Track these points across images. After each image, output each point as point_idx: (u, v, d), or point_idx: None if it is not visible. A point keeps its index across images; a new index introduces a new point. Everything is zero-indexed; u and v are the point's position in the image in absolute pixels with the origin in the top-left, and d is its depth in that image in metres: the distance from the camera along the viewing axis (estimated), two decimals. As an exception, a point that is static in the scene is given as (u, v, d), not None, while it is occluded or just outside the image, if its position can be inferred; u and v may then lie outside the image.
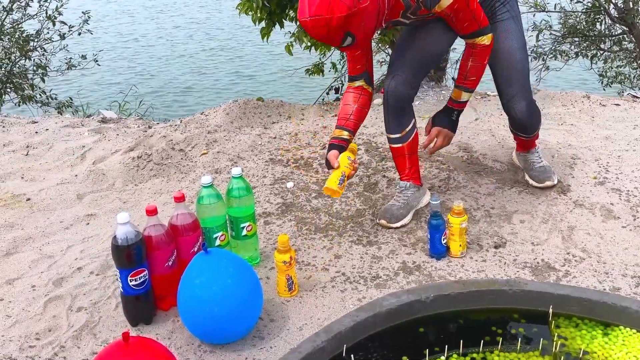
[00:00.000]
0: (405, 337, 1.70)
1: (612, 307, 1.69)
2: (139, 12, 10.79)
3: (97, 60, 6.72)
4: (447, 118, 2.10)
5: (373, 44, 3.29)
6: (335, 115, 3.22)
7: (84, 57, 6.68)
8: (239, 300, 1.57)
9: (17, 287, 1.95)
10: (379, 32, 3.25)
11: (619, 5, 5.20)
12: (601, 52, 5.75)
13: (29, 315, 1.80)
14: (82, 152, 2.91)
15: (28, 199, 2.53)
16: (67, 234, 2.27)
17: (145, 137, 2.95)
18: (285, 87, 7.22)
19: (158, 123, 3.51)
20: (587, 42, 5.72)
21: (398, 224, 2.15)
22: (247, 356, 1.60)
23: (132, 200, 2.50)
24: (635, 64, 5.75)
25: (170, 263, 1.74)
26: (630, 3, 5.09)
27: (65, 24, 6.22)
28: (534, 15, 5.43)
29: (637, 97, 3.46)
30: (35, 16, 6.36)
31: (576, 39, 5.72)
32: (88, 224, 2.35)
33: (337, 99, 3.97)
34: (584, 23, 5.64)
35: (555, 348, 1.60)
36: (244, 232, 1.91)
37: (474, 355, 1.59)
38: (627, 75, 5.84)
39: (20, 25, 6.36)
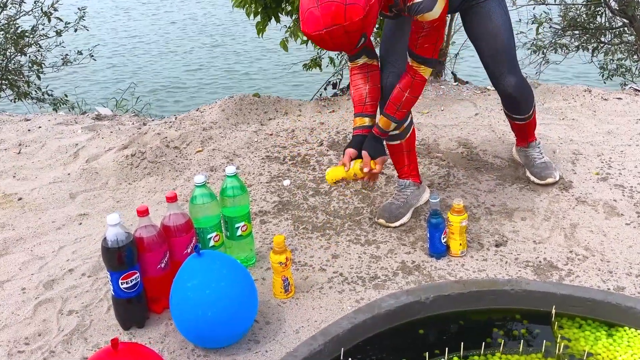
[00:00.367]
0: (404, 339, 1.66)
1: (617, 307, 1.65)
2: (135, 9, 10.72)
3: (92, 56, 6.66)
4: (380, 145, 1.94)
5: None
6: (333, 111, 3.17)
7: (80, 52, 6.62)
8: (233, 304, 1.52)
9: (6, 289, 1.91)
10: None
11: (620, -3, 5.15)
12: (602, 45, 5.69)
13: (18, 319, 1.76)
14: (75, 150, 2.86)
15: (20, 199, 2.49)
16: (59, 235, 2.22)
17: (140, 134, 2.90)
18: (282, 83, 7.16)
19: (153, 120, 3.46)
20: (588, 35, 5.66)
21: (397, 223, 2.11)
22: (242, 360, 1.56)
23: (125, 200, 2.45)
24: (636, 56, 5.69)
25: (162, 265, 1.69)
26: (631, -5, 5.03)
27: (61, 20, 6.15)
28: (533, 8, 5.37)
29: (639, 91, 3.41)
30: (30, 12, 6.29)
31: (576, 32, 5.66)
32: (80, 223, 2.30)
33: (335, 95, 3.91)
34: (585, 16, 5.58)
35: (559, 350, 1.56)
36: (239, 232, 1.87)
37: (475, 357, 1.55)
38: (628, 68, 5.79)
39: (15, 22, 6.29)
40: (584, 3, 5.52)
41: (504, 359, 1.55)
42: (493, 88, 3.26)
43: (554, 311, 1.67)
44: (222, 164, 2.65)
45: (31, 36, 6.30)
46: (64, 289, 1.88)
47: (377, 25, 3.29)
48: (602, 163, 2.43)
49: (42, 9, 6.10)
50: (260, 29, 3.13)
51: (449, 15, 3.36)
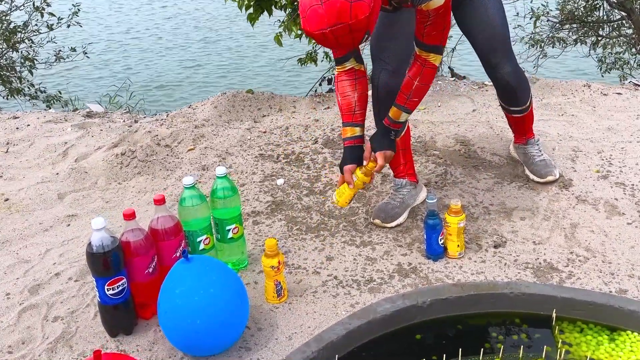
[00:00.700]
0: (401, 344, 1.61)
1: (619, 311, 1.60)
2: (128, 4, 10.60)
3: (86, 52, 6.59)
4: (387, 139, 1.89)
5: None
6: (328, 107, 3.11)
7: (73, 49, 6.54)
8: (222, 311, 1.47)
9: (-10, 295, 1.85)
10: None
11: (618, -10, 5.09)
12: (600, 38, 5.64)
13: (2, 327, 1.70)
14: (64, 148, 2.80)
15: (6, 200, 2.43)
16: (46, 237, 2.17)
17: (130, 132, 2.84)
18: (276, 79, 7.08)
19: (145, 117, 3.40)
20: (586, 28, 5.61)
21: (393, 224, 2.05)
22: (233, 369, 1.51)
23: (115, 200, 2.39)
24: (634, 49, 5.64)
25: (150, 270, 1.64)
26: (630, -12, 4.97)
27: (53, 15, 6.07)
28: (531, 1, 5.30)
29: (638, 86, 3.36)
30: (22, 7, 6.21)
31: (574, 25, 5.61)
32: (69, 225, 2.24)
33: (331, 90, 3.85)
34: (582, 9, 5.52)
35: (560, 355, 1.52)
36: (230, 235, 1.81)
37: (474, 364, 1.50)
38: (627, 61, 5.74)
39: (6, 17, 6.21)
40: (582, -4, 5.46)
41: (504, 365, 1.51)
42: (491, 83, 3.22)
43: (554, 315, 1.63)
44: (214, 162, 2.59)
45: (23, 32, 6.22)
46: (49, 294, 1.82)
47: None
48: (602, 160, 2.38)
49: (34, 4, 6.02)
50: (253, 17, 3.05)
51: None
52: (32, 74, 6.19)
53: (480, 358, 1.52)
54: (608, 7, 5.38)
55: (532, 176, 2.25)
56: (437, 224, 1.84)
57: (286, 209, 2.22)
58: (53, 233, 2.19)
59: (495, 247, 1.92)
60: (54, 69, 6.90)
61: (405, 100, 1.83)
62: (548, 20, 5.57)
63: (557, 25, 5.59)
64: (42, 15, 6.03)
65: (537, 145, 2.30)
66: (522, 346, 1.55)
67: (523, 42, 5.51)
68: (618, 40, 5.66)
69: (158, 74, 7.78)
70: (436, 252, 1.87)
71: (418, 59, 1.80)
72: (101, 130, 2.96)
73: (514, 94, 2.10)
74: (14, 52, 6.20)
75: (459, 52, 4.43)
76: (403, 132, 2.05)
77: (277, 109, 3.12)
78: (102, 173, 2.56)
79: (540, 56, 5.58)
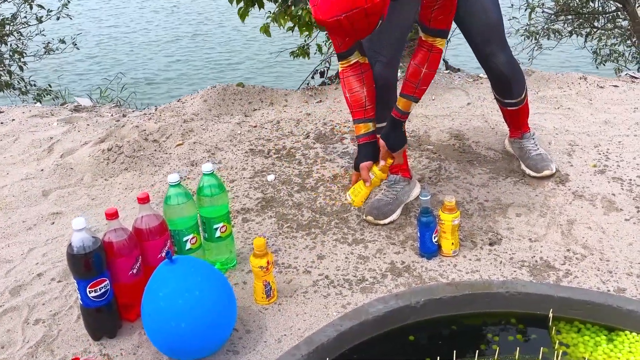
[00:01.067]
0: (393, 346, 1.57)
1: (617, 311, 1.56)
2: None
3: (75, 44, 6.49)
4: (400, 134, 1.84)
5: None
6: (320, 101, 3.05)
7: (62, 41, 6.44)
8: (208, 314, 1.41)
9: (-30, 297, 1.79)
10: None
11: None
12: (595, 29, 5.59)
13: (-19, 330, 1.65)
14: (49, 144, 2.73)
15: (-11, 197, 2.36)
16: (30, 235, 2.10)
17: (117, 127, 2.77)
18: (268, 72, 6.99)
19: (134, 111, 3.32)
20: (581, 20, 5.56)
21: (386, 221, 2.00)
22: (220, 373, 1.46)
23: (101, 197, 2.33)
24: (629, 41, 5.60)
25: (134, 271, 1.58)
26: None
27: (42, 7, 5.97)
28: (526, -7, 5.25)
29: (635, 78, 3.31)
30: (10, -1, 6.09)
31: (569, 17, 5.56)
32: (53, 223, 2.18)
33: (324, 83, 3.78)
34: (577, 0, 5.47)
35: (557, 358, 1.47)
36: (218, 234, 1.75)
37: (469, 366, 1.46)
38: (621, 53, 5.70)
39: (-5, 10, 6.10)
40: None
41: (499, 367, 1.47)
42: (485, 76, 3.16)
43: (551, 315, 1.59)
44: (204, 158, 2.53)
45: (12, 24, 6.11)
46: (31, 295, 1.76)
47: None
48: (599, 154, 2.33)
49: (23, -4, 5.91)
50: (243, 12, 2.98)
51: None
52: (22, 69, 6.09)
53: (475, 360, 1.48)
54: (603, -2, 5.33)
55: (528, 171, 2.20)
56: (430, 222, 1.79)
57: (277, 206, 2.16)
58: (37, 231, 2.13)
59: (490, 244, 1.88)
60: (45, 63, 6.80)
61: (414, 89, 1.79)
62: (543, 12, 5.52)
63: (552, 16, 5.54)
64: (30, 7, 5.92)
65: (533, 139, 2.25)
66: (518, 348, 1.50)
67: (518, 34, 5.46)
68: (613, 32, 5.62)
69: (150, 67, 7.69)
70: (430, 250, 1.83)
71: (424, 45, 1.75)
72: (88, 125, 2.89)
73: (508, 85, 2.06)
74: (3, 45, 6.10)
75: (454, 44, 4.37)
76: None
77: (268, 102, 3.06)
78: (88, 169, 2.50)
79: (535, 48, 5.53)
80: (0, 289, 1.81)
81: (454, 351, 1.48)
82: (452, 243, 1.82)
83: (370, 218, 2.01)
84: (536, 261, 1.79)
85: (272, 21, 3.05)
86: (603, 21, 5.62)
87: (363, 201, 1.83)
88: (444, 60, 3.85)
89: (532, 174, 2.18)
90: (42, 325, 1.65)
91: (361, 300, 1.67)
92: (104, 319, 1.57)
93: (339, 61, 1.86)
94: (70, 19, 6.37)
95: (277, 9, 3.10)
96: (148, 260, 1.62)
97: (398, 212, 2.04)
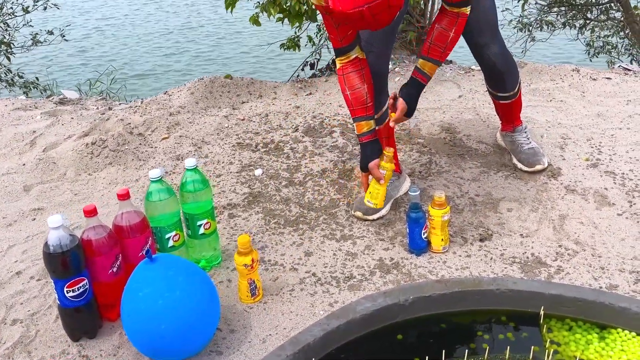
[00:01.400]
0: (381, 345, 1.53)
1: (609, 308, 1.53)
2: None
3: (64, 36, 6.39)
4: (417, 96, 1.84)
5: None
6: (310, 93, 2.99)
7: (50, 32, 6.34)
8: (190, 314, 1.37)
9: (-54, 296, 1.73)
10: None
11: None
12: (588, 21, 5.55)
13: (-44, 331, 1.59)
14: (32, 138, 2.66)
15: (-31, 192, 2.30)
16: (9, 232, 2.05)
17: (102, 120, 2.71)
18: (258, 65, 6.91)
19: (120, 104, 3.26)
20: (574, 12, 5.52)
21: (375, 216, 1.96)
22: (203, 375, 1.42)
23: (84, 192, 2.27)
24: (622, 33, 5.56)
25: (115, 269, 1.53)
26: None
27: (29, -4, 5.86)
28: (519, -16, 5.19)
29: (628, 70, 3.28)
30: (-4, -9, 5.98)
31: (563, 8, 5.51)
32: (34, 219, 2.12)
33: (314, 75, 3.73)
34: (571, -9, 5.42)
35: (548, 357, 1.44)
36: (202, 231, 1.71)
37: (458, 366, 1.42)
38: (614, 45, 5.67)
39: (-20, 1, 5.99)
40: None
41: (489, 367, 1.43)
42: (477, 68, 3.12)
43: (542, 312, 1.55)
44: (190, 152, 2.47)
45: (-2, 15, 6.01)
46: (9, 294, 1.71)
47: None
48: (592, 148, 2.30)
49: (9, -14, 5.81)
50: (230, 3, 2.92)
51: None
52: (9, 59, 5.99)
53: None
54: (597, -11, 5.29)
55: (519, 165, 2.16)
56: (420, 217, 1.75)
57: (264, 201, 2.11)
58: (17, 228, 2.07)
59: (481, 240, 1.84)
60: (34, 55, 6.69)
61: (440, 53, 1.77)
62: (536, 3, 5.47)
63: (545, 8, 5.49)
64: (17, -2, 5.82)
65: (525, 132, 2.21)
66: (508, 346, 1.47)
67: (511, 26, 5.41)
68: (606, 24, 5.58)
69: (140, 60, 7.59)
70: (419, 246, 1.79)
71: (451, 15, 1.74)
72: (72, 118, 2.83)
73: (501, 78, 2.02)
74: (-11, 37, 5.99)
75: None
76: (387, 120, 1.96)
77: (257, 95, 3.00)
78: (71, 164, 2.44)
79: (529, 40, 5.48)
80: (-22, 287, 1.76)
81: (443, 350, 1.44)
82: (442, 239, 1.78)
83: (359, 213, 1.97)
84: (527, 257, 1.76)
85: (261, 11, 2.98)
86: (596, 13, 5.58)
87: (384, 199, 1.81)
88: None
89: (524, 168, 2.14)
90: (20, 325, 1.60)
91: (349, 298, 1.63)
92: (83, 319, 1.52)
93: (337, 57, 1.79)
94: (58, 8, 6.26)
95: (266, -1, 3.03)
96: (129, 259, 1.57)
97: (387, 207, 2.00)
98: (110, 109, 3.04)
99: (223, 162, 2.38)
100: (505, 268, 1.73)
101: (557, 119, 2.54)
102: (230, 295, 1.66)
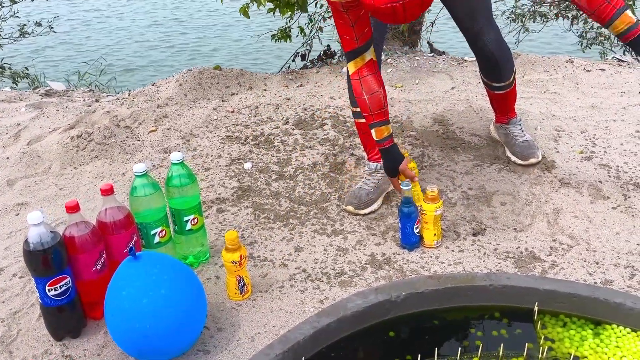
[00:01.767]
0: (373, 343, 1.50)
1: (604, 304, 1.51)
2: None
3: (52, 27, 6.29)
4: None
5: None
6: (301, 85, 2.94)
7: (38, 24, 6.24)
8: (175, 313, 1.33)
9: None
10: None
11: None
12: (581, 12, 5.52)
13: None
14: (16, 131, 2.60)
15: (-50, 187, 2.24)
16: (-8, 228, 2.00)
17: (88, 113, 2.65)
18: (247, 56, 6.83)
19: (107, 96, 3.20)
20: (567, 2, 5.48)
21: (367, 211, 1.92)
22: (189, 375, 1.38)
23: (69, 186, 2.22)
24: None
25: (99, 266, 1.49)
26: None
27: (16, -14, 5.75)
28: (513, -26, 5.16)
29: (622, 61, 3.25)
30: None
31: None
32: (18, 214, 2.07)
33: (305, 67, 3.67)
34: (564, -18, 5.38)
35: (542, 354, 1.42)
36: (189, 226, 1.66)
37: (451, 363, 1.40)
38: (607, 36, 5.64)
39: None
40: (564, -32, 5.32)
41: (482, 364, 1.40)
42: (470, 59, 3.08)
43: (536, 308, 1.53)
44: (178, 144, 2.42)
45: (-16, 6, 5.90)
46: (-10, 292, 1.67)
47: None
48: (586, 140, 2.27)
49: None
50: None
51: None
52: (-3, 48, 5.89)
53: (458, 358, 1.42)
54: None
55: (513, 158, 2.13)
56: (412, 212, 1.71)
57: (253, 196, 2.07)
58: (0, 224, 2.02)
59: (474, 235, 1.81)
60: (24, 47, 6.59)
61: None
62: (530, -6, 5.43)
63: (539, -1, 5.45)
64: (2, -12, 5.72)
65: (520, 125, 2.18)
66: (502, 344, 1.44)
67: (504, 17, 5.37)
68: (599, 15, 5.56)
69: (129, 53, 7.49)
70: (411, 241, 1.75)
71: None
72: (57, 110, 2.77)
73: (496, 66, 1.98)
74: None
75: (438, 27, 4.27)
76: None
77: (246, 86, 2.95)
78: (56, 157, 2.38)
79: (522, 31, 5.44)
80: (-42, 285, 1.71)
81: (436, 348, 1.41)
82: (435, 234, 1.75)
83: (350, 208, 1.93)
84: (521, 252, 1.73)
85: (251, 1, 2.92)
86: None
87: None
88: (428, 43, 3.76)
89: (518, 161, 2.11)
90: (1, 324, 1.55)
91: (339, 295, 1.60)
92: (66, 318, 1.48)
93: (351, 60, 1.71)
94: (46, 0, 6.16)
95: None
96: (114, 256, 1.53)
97: (379, 201, 1.96)
98: (97, 101, 2.98)
99: (212, 156, 2.33)
100: (499, 263, 1.70)
101: (551, 111, 2.50)
102: (218, 292, 1.62)
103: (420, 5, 1.39)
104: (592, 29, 5.65)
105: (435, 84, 2.83)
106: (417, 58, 3.20)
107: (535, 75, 2.86)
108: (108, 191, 1.50)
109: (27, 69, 6.11)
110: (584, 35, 5.66)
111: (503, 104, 2.14)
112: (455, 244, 1.77)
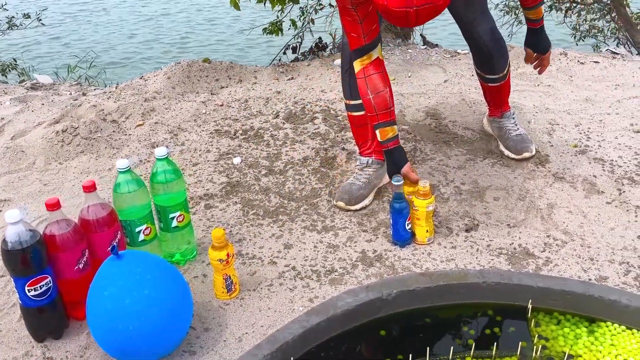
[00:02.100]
0: (363, 342, 1.47)
1: (599, 301, 1.48)
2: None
3: (40, 19, 6.20)
4: (545, 36, 1.88)
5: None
6: (292, 78, 2.90)
7: (27, 16, 6.15)
8: (159, 314, 1.29)
9: None
10: None
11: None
12: (575, 4, 5.49)
13: None
14: None
15: None
16: (-26, 225, 1.94)
17: (73, 107, 2.59)
18: (237, 48, 6.76)
19: (95, 89, 3.14)
20: (560, -6, 5.45)
21: (358, 206, 1.89)
22: (175, 376, 1.34)
23: (54, 182, 2.17)
24: (609, 16, 5.51)
25: (81, 265, 1.45)
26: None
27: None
28: (506, -34, 5.12)
29: (616, 54, 3.22)
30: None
31: (550, -8, 5.44)
32: (0, 211, 2.02)
33: (297, 59, 3.62)
34: (558, -26, 5.35)
35: (536, 353, 1.39)
36: (175, 224, 1.62)
37: (443, 362, 1.37)
38: (601, 29, 5.62)
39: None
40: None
41: (475, 364, 1.37)
42: (463, 51, 3.04)
43: (530, 306, 1.50)
44: (165, 139, 2.37)
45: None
46: (-30, 292, 1.62)
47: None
48: (580, 134, 2.24)
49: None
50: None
51: None
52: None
53: (450, 357, 1.39)
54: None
55: (507, 152, 2.10)
56: (404, 208, 1.68)
57: (242, 191, 2.03)
58: (-18, 221, 1.97)
59: (466, 231, 1.77)
60: (13, 40, 6.50)
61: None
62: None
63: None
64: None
65: (513, 118, 2.15)
66: (495, 342, 1.41)
67: (498, 9, 5.34)
68: (593, 7, 5.53)
69: (119, 46, 7.41)
70: (403, 237, 1.72)
71: None
72: (43, 104, 2.71)
73: (490, 57, 1.94)
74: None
75: (431, 21, 4.23)
76: None
77: (236, 79, 2.90)
78: (40, 152, 2.33)
79: (515, 23, 5.41)
80: (-63, 285, 1.66)
81: (428, 347, 1.38)
82: (427, 230, 1.71)
83: (341, 204, 1.89)
84: (515, 248, 1.70)
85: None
86: (583, -4, 5.52)
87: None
88: (421, 35, 3.72)
89: (512, 155, 2.08)
90: (-19, 325, 1.51)
91: (330, 293, 1.56)
92: (48, 319, 1.43)
93: (358, 58, 1.67)
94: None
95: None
96: (97, 254, 1.48)
97: (370, 197, 1.93)
98: (84, 94, 2.92)
99: (200, 150, 2.29)
100: (492, 260, 1.67)
101: (544, 104, 2.47)
102: (205, 291, 1.58)
103: (433, 12, 1.36)
104: (585, 21, 5.63)
105: (427, 77, 2.79)
106: (409, 50, 3.16)
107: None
108: (90, 188, 1.46)
109: (16, 61, 6.02)
110: (577, 27, 5.63)
111: (497, 96, 2.10)
112: (448, 240, 1.74)
